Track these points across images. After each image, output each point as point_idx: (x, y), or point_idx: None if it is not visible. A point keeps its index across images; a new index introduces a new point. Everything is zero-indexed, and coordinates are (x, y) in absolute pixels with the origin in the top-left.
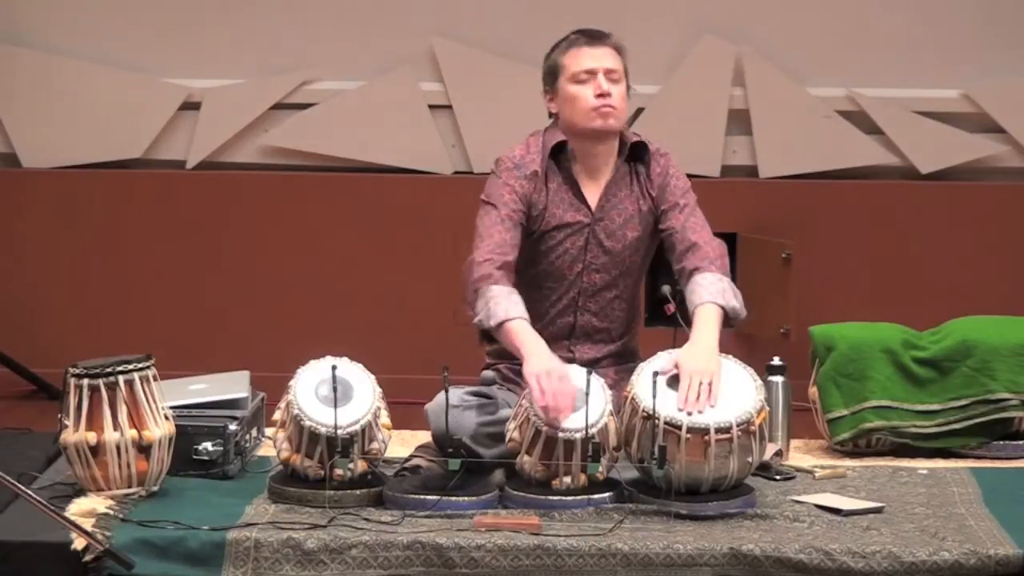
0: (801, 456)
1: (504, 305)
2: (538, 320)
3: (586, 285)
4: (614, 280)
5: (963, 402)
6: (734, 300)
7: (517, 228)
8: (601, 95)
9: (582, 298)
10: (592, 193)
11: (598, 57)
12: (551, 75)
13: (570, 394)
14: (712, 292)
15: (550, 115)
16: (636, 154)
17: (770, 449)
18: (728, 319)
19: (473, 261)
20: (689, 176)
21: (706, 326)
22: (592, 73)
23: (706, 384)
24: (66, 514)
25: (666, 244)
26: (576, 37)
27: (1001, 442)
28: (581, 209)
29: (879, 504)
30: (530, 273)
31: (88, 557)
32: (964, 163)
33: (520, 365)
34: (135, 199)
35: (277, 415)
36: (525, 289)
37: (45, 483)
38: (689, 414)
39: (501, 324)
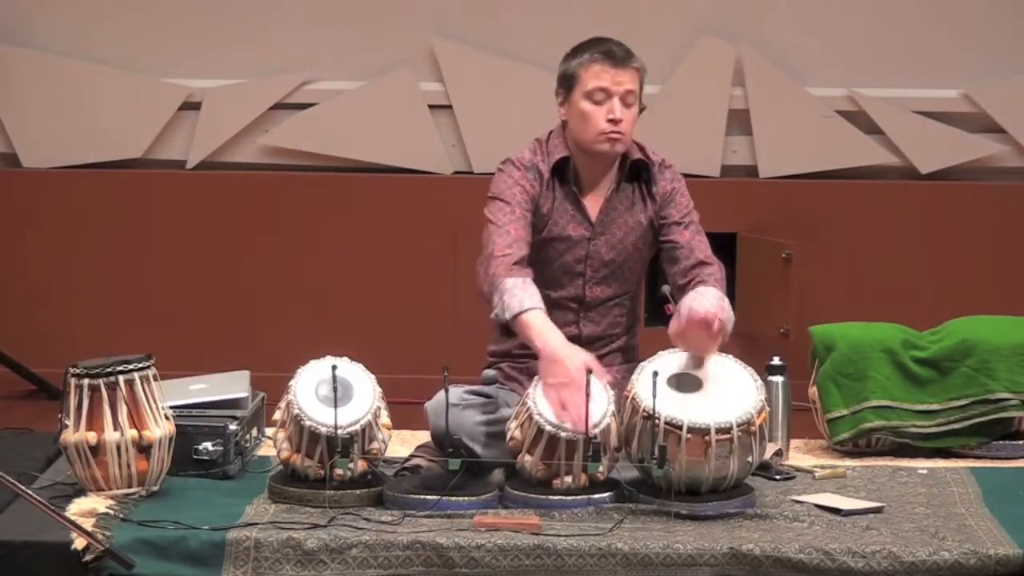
0: (801, 456)
1: (519, 297)
2: None
3: (588, 298)
4: (615, 292)
5: (963, 402)
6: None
7: (529, 226)
8: (612, 120)
9: (583, 309)
10: (593, 206)
11: (619, 80)
12: (566, 82)
13: (580, 402)
14: (712, 300)
15: (562, 120)
16: (637, 172)
17: (770, 449)
18: None
19: (490, 255)
20: (689, 176)
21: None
22: (608, 95)
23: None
24: (66, 514)
25: (667, 255)
26: (599, 55)
27: (1001, 442)
28: (583, 223)
29: (879, 504)
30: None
31: (88, 557)
32: (964, 163)
33: (522, 364)
34: (135, 199)
35: (277, 415)
36: None
37: (45, 483)
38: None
39: (516, 316)
